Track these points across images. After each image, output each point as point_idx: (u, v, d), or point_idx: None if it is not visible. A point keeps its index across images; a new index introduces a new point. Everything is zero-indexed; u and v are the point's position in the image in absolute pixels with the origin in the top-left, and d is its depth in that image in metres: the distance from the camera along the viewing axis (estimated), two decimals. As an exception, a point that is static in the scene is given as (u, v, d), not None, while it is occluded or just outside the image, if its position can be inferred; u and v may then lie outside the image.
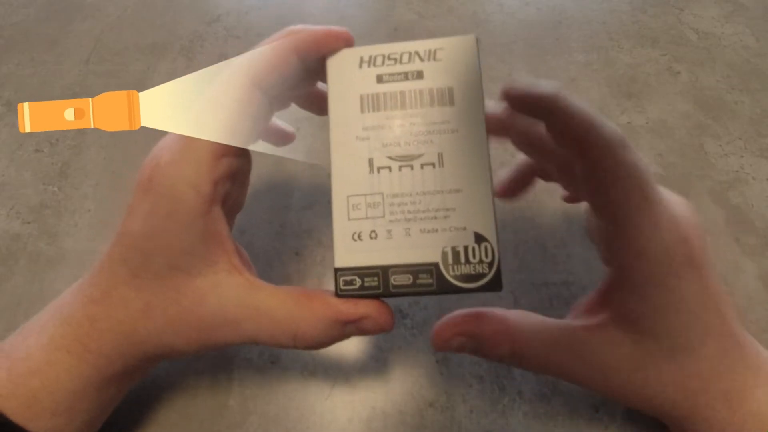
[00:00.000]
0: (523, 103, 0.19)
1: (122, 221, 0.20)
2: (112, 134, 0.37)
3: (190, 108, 0.20)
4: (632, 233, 0.18)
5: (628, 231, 0.18)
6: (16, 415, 0.18)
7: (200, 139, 0.19)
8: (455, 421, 0.25)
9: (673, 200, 0.19)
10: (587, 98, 0.38)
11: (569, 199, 0.28)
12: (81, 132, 0.37)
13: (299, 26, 0.20)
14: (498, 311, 0.21)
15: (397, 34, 0.43)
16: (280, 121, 0.27)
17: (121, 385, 0.22)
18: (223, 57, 0.41)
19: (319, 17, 0.45)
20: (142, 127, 0.36)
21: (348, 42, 0.20)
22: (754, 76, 0.40)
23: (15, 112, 0.38)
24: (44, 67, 0.41)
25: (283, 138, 0.28)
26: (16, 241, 0.31)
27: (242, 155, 0.21)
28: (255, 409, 0.25)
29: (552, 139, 0.19)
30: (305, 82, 0.23)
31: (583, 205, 0.23)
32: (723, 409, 0.19)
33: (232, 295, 0.19)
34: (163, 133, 0.37)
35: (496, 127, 0.23)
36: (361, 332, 0.20)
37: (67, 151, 0.36)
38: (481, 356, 0.21)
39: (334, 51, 0.20)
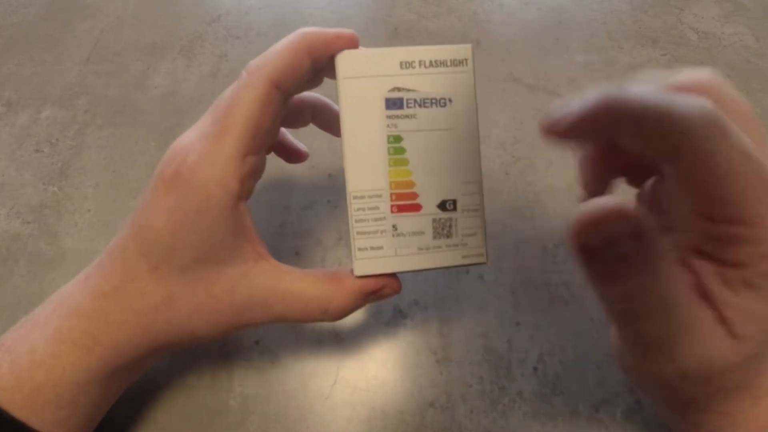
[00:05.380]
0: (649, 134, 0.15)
1: (138, 215, 0.20)
2: (112, 134, 0.37)
3: (212, 108, 0.21)
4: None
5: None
6: (19, 409, 0.18)
7: (226, 140, 0.20)
8: (455, 421, 0.25)
9: None
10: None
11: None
12: (81, 132, 0.37)
13: (310, 29, 0.21)
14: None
15: (397, 34, 0.43)
16: (295, 139, 0.28)
17: (124, 377, 0.22)
18: (223, 57, 0.41)
19: (319, 17, 0.45)
20: (142, 128, 0.37)
21: (355, 44, 0.21)
22: (754, 76, 0.40)
23: (15, 112, 0.38)
24: (44, 67, 0.41)
25: (296, 156, 0.29)
26: (16, 241, 0.31)
27: (262, 152, 0.22)
28: (255, 409, 0.25)
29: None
30: (313, 83, 0.24)
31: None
32: (744, 401, 0.18)
33: (262, 281, 0.21)
34: (162, 134, 0.37)
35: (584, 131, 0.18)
36: (380, 298, 0.22)
37: (67, 151, 0.36)
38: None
39: (340, 51, 0.21)
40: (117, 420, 0.23)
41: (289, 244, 0.31)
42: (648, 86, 0.16)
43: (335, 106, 0.26)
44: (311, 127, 0.27)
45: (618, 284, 0.16)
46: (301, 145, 0.28)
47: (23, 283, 0.30)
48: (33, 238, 0.31)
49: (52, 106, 0.38)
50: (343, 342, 0.27)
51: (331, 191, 0.33)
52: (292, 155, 0.28)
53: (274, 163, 0.34)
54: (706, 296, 0.17)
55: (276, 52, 0.20)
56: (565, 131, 0.17)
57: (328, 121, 0.27)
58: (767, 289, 0.16)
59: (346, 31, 0.21)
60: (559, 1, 0.46)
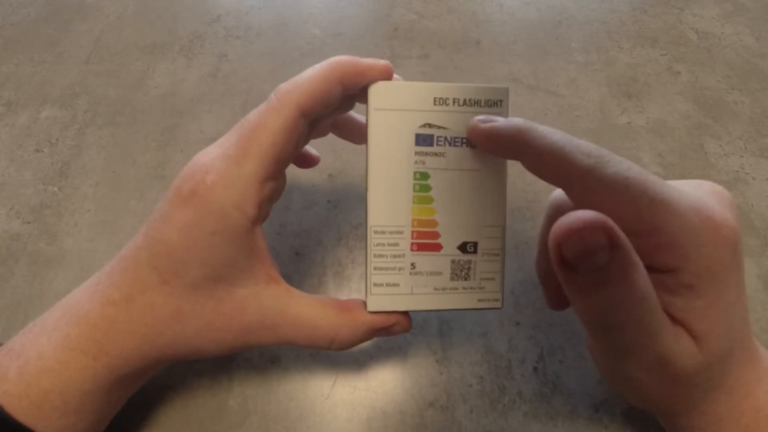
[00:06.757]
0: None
1: (152, 227, 0.20)
2: (112, 134, 0.37)
3: (238, 127, 0.21)
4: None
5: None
6: (25, 416, 0.18)
7: (247, 163, 0.20)
8: (455, 421, 0.25)
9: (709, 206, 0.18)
10: (587, 98, 0.38)
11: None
12: (81, 132, 0.37)
13: (344, 57, 0.21)
14: None
15: (396, 34, 0.43)
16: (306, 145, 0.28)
17: (129, 385, 0.22)
18: (223, 57, 0.41)
19: (319, 17, 0.45)
20: (142, 128, 0.37)
21: (389, 75, 0.21)
22: (754, 76, 0.40)
23: (15, 112, 0.38)
24: (44, 67, 0.41)
25: (308, 161, 0.29)
26: (16, 241, 0.31)
27: (281, 177, 0.22)
28: (255, 409, 0.25)
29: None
30: (343, 109, 0.24)
31: None
32: (724, 403, 0.19)
33: (272, 304, 0.21)
34: (162, 134, 0.37)
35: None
36: (389, 335, 0.22)
37: (67, 151, 0.36)
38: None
39: (374, 82, 0.21)
40: (117, 420, 0.23)
41: (289, 244, 0.31)
42: (552, 131, 0.19)
43: (356, 116, 0.26)
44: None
45: (595, 295, 0.17)
46: (312, 150, 0.28)
47: (23, 283, 0.30)
48: (33, 238, 0.31)
49: (52, 106, 0.38)
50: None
51: (331, 191, 0.33)
52: (305, 161, 0.28)
53: (274, 163, 0.34)
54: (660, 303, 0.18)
55: (307, 79, 0.20)
56: (484, 138, 0.20)
57: (349, 130, 0.27)
58: (705, 287, 0.17)
59: (380, 61, 0.21)
60: (559, 1, 0.46)
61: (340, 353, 0.27)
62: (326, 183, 0.34)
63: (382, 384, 0.26)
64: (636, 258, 0.16)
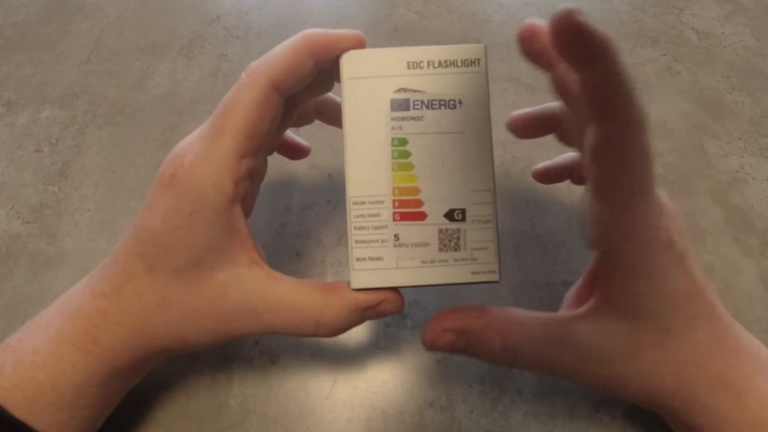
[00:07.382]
0: (572, 38, 0.17)
1: (139, 216, 0.21)
2: (112, 134, 0.37)
3: (213, 110, 0.21)
4: (626, 217, 0.18)
5: (623, 214, 0.18)
6: (20, 410, 0.18)
7: (222, 141, 0.19)
8: (455, 421, 0.25)
9: (661, 195, 0.19)
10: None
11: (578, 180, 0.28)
12: (81, 132, 0.37)
13: (314, 30, 0.20)
14: (487, 307, 0.21)
15: (397, 34, 0.43)
16: (295, 135, 0.28)
17: (123, 380, 0.22)
18: (223, 57, 0.41)
19: (319, 17, 0.45)
20: (142, 128, 0.37)
21: (361, 44, 0.21)
22: (754, 76, 0.40)
23: (15, 112, 0.38)
24: (44, 67, 0.41)
25: (299, 152, 0.28)
26: (16, 241, 0.31)
27: (260, 156, 0.22)
28: (255, 409, 0.25)
29: (580, 94, 0.18)
30: (321, 87, 0.23)
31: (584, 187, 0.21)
32: (725, 398, 0.19)
33: (254, 288, 0.20)
34: (162, 134, 0.37)
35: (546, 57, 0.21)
36: (379, 315, 0.21)
37: (67, 151, 0.36)
38: (472, 355, 0.20)
39: (345, 51, 0.21)
40: (116, 419, 0.23)
41: (289, 244, 0.31)
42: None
43: (339, 99, 0.26)
44: (311, 127, 0.28)
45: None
46: (302, 141, 0.28)
47: (23, 283, 0.30)
48: (33, 238, 0.31)
49: (52, 106, 0.38)
50: (342, 342, 0.27)
51: (331, 191, 0.33)
52: (295, 152, 0.28)
53: (274, 163, 0.34)
54: None
55: (276, 54, 0.20)
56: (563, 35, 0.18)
57: (333, 114, 0.26)
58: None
59: (351, 31, 0.20)
60: (560, 1, 0.46)
61: (340, 352, 0.27)
62: (326, 183, 0.34)
63: (382, 384, 0.26)
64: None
